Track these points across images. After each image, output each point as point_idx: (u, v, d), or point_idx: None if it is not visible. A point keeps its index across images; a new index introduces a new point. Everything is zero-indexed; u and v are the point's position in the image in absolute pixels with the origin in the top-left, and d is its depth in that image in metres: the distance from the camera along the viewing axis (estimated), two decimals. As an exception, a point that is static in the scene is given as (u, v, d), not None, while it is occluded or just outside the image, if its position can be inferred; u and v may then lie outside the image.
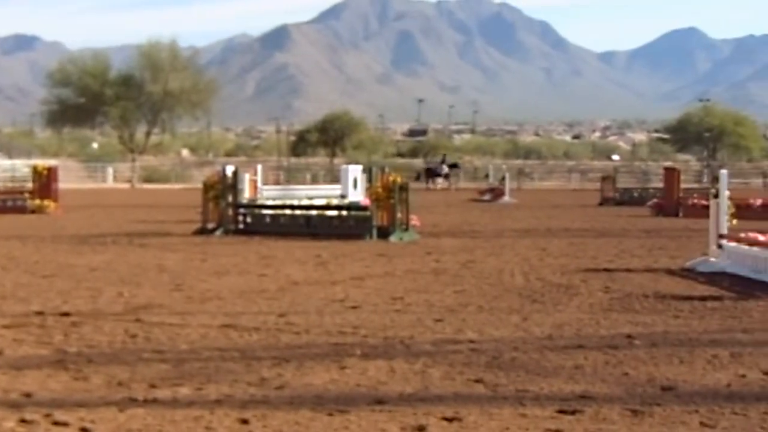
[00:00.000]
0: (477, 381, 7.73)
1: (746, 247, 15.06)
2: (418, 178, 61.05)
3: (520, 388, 7.48)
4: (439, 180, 59.76)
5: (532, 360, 8.53)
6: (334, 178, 48.25)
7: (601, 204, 41.95)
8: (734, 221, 16.46)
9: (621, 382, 7.73)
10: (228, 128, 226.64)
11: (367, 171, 25.13)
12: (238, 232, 23.77)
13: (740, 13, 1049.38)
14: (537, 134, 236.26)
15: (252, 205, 25.34)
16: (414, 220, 23.04)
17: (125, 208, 38.40)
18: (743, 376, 7.92)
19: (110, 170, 77.33)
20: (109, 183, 74.00)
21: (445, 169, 60.16)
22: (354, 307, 11.63)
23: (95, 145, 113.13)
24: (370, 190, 23.27)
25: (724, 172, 16.75)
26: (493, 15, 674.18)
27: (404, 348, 9.10)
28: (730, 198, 16.48)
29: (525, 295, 12.72)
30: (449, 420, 6.61)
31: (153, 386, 7.52)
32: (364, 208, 23.25)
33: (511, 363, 8.41)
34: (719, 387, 7.55)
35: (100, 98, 78.40)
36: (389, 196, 22.11)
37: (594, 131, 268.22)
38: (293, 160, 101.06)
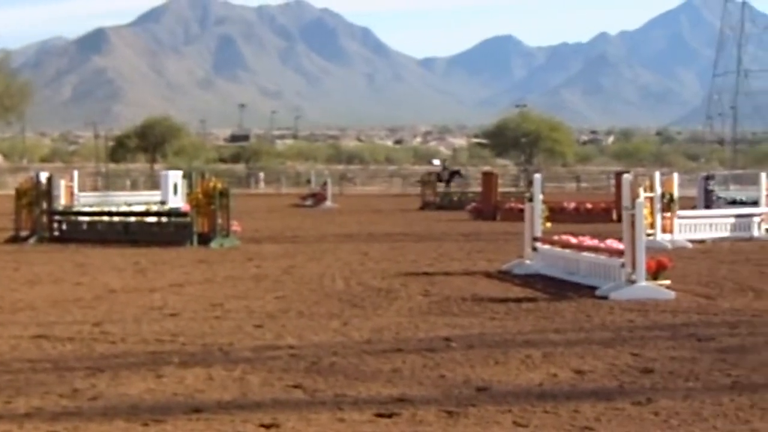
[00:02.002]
0: (296, 387, 7.72)
1: (559, 250, 15.50)
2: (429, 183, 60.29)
3: (338, 393, 7.50)
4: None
5: (351, 364, 8.57)
6: (154, 184, 47.59)
7: (421, 208, 42.49)
8: (548, 224, 16.88)
9: (438, 384, 7.83)
10: (43, 133, 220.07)
11: (188, 177, 24.85)
12: (53, 239, 23.17)
13: (554, 22, 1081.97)
14: (359, 139, 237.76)
15: (68, 212, 24.75)
16: (235, 226, 22.87)
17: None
18: (555, 375, 8.13)
19: None
20: None
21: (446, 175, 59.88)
22: (173, 315, 11.46)
23: None
24: (190, 196, 22.99)
25: (538, 176, 17.20)
26: (314, 20, 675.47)
27: (223, 355, 9.02)
28: (545, 201, 16.92)
29: (345, 300, 12.77)
30: (267, 427, 6.58)
31: (-41, 401, 7.23)
32: (185, 215, 22.96)
33: (330, 368, 8.42)
34: (532, 386, 7.73)
35: None
36: (210, 202, 21.89)
37: (415, 136, 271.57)
38: (112, 166, 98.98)
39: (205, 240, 21.64)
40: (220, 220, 21.90)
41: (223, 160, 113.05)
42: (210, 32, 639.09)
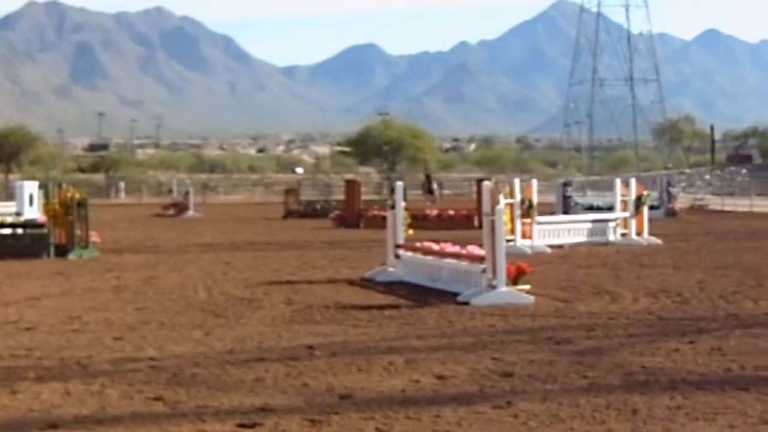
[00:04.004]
0: (156, 399, 7.61)
1: (422, 256, 15.63)
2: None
3: (200, 404, 7.41)
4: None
5: (213, 375, 8.48)
6: (9, 195, 46.33)
7: (285, 217, 42.37)
8: (410, 231, 16.99)
9: (301, 392, 7.81)
10: None
11: (44, 187, 24.30)
12: None
13: (415, 31, 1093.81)
14: (221, 148, 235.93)
15: None
16: (94, 237, 22.43)
17: None
18: (417, 381, 8.19)
19: None
20: None
21: (435, 186, 58.26)
22: (28, 329, 11.17)
23: None
24: (47, 207, 22.47)
25: (400, 183, 17.29)
26: (174, 28, 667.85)
27: (81, 369, 8.83)
28: (407, 209, 17.03)
29: (207, 310, 12.64)
30: (126, 441, 6.47)
31: None
32: (41, 226, 22.42)
33: (192, 379, 8.32)
34: (394, 393, 7.77)
35: None
36: (67, 213, 21.43)
37: (278, 145, 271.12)
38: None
39: (62, 251, 21.17)
40: (78, 231, 21.46)
41: (81, 170, 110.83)
42: (66, 39, 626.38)
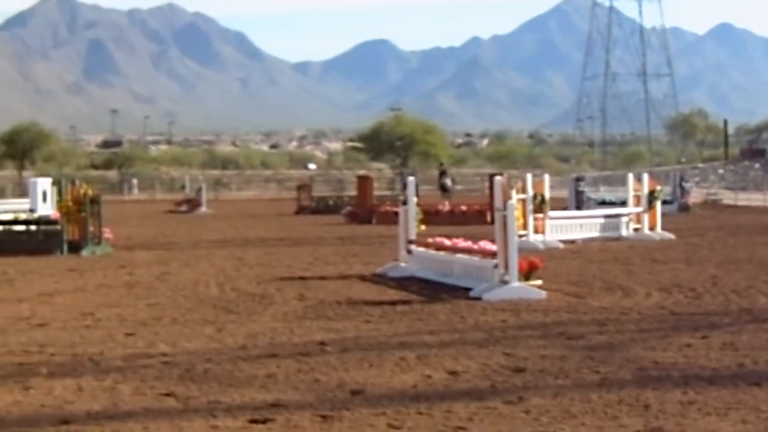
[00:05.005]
0: (168, 395, 7.61)
1: (434, 252, 15.61)
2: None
3: (212, 400, 7.41)
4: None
5: (225, 371, 8.48)
6: (23, 191, 46.52)
7: (297, 213, 42.44)
8: (422, 227, 17.00)
9: (312, 388, 7.81)
10: None
11: (58, 184, 24.37)
12: None
13: (427, 27, 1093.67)
14: (234, 144, 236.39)
15: (-68, 222, 23.92)
16: (107, 233, 22.49)
17: None
18: (429, 376, 8.18)
19: None
20: None
21: (448, 182, 57.18)
22: (41, 325, 11.19)
23: None
24: (60, 204, 22.54)
25: (411, 179, 17.28)
26: (187, 25, 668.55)
27: (93, 365, 8.84)
28: (419, 204, 17.02)
29: (220, 306, 12.65)
30: (138, 436, 6.47)
31: None
32: (54, 222, 22.49)
33: (204, 375, 8.33)
34: (406, 388, 7.76)
35: None
36: (80, 210, 21.48)
37: (291, 141, 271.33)
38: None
39: (75, 248, 21.23)
40: (91, 228, 21.52)
41: (94, 167, 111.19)
42: (79, 36, 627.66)
